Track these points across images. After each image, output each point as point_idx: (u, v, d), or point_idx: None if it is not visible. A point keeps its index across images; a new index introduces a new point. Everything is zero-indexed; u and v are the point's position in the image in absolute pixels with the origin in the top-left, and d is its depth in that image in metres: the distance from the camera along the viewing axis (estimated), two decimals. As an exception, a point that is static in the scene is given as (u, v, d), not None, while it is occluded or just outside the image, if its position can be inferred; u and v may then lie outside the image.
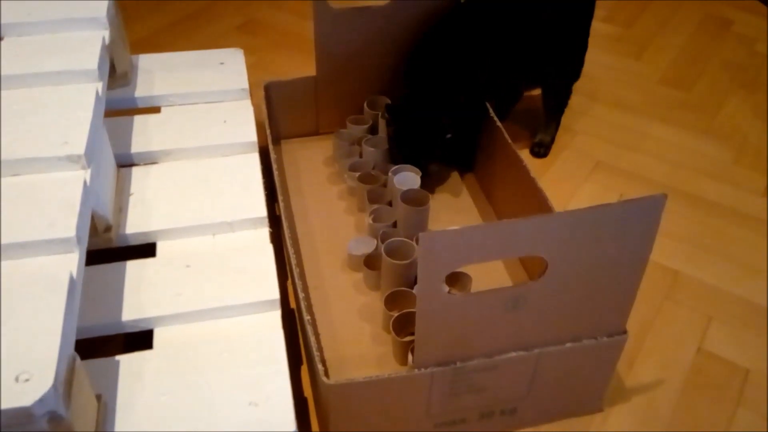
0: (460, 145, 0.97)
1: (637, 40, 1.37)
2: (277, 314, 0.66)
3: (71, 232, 0.56)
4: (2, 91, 0.69)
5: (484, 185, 0.97)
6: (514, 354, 0.62)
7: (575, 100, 1.08)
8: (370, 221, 0.86)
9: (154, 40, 1.29)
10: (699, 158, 1.07)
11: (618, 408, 0.72)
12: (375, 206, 0.87)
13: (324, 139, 1.05)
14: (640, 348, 0.78)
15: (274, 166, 0.84)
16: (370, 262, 0.82)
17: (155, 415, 0.56)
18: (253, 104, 0.89)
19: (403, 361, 0.73)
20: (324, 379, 0.59)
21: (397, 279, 0.78)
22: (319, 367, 0.60)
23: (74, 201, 0.59)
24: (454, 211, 0.94)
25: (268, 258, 0.70)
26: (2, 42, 0.76)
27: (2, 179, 0.61)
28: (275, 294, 0.66)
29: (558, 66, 0.98)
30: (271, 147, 0.88)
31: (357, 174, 0.92)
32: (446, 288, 0.57)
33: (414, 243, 0.79)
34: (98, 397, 0.56)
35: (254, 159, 0.82)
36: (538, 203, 0.78)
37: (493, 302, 0.58)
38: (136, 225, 0.72)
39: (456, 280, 0.80)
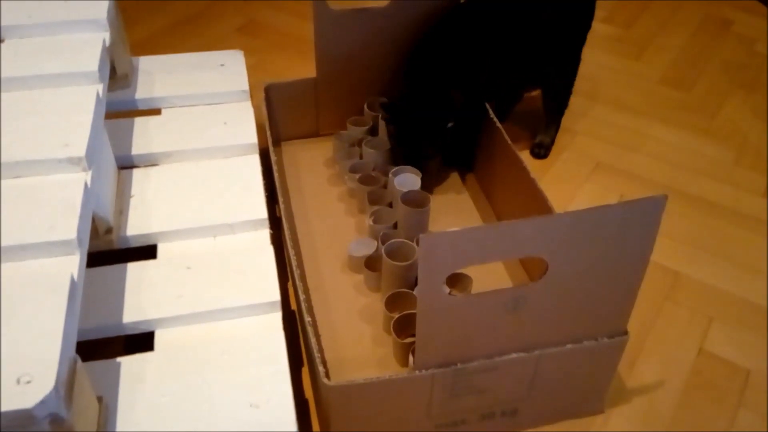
0: (460, 145, 0.97)
1: (637, 40, 1.37)
2: (277, 316, 0.66)
3: (72, 234, 0.56)
4: (3, 93, 0.69)
5: (484, 186, 0.97)
6: (514, 355, 0.62)
7: (575, 101, 1.08)
8: (371, 223, 0.86)
9: (154, 41, 1.29)
10: (699, 159, 1.07)
11: (619, 409, 0.72)
12: (375, 208, 0.87)
13: (324, 140, 1.05)
14: (640, 349, 0.78)
15: (275, 168, 0.84)
16: (371, 263, 0.82)
17: (156, 416, 0.56)
18: (254, 106, 0.89)
19: (404, 363, 0.73)
20: (325, 380, 0.59)
21: (397, 280, 0.78)
22: (320, 368, 0.60)
23: (75, 203, 0.59)
24: (454, 212, 0.94)
25: (269, 259, 0.70)
26: (3, 44, 0.76)
27: (3, 181, 0.61)
28: (276, 295, 0.66)
29: (558, 67, 0.98)
30: (271, 148, 0.88)
31: (357, 175, 0.92)
32: (447, 289, 0.57)
33: (414, 244, 0.79)
34: (99, 399, 0.56)
35: (254, 160, 0.82)
36: (538, 204, 0.78)
37: (494, 303, 0.58)
38: (136, 227, 0.73)
39: (456, 281, 0.80)
